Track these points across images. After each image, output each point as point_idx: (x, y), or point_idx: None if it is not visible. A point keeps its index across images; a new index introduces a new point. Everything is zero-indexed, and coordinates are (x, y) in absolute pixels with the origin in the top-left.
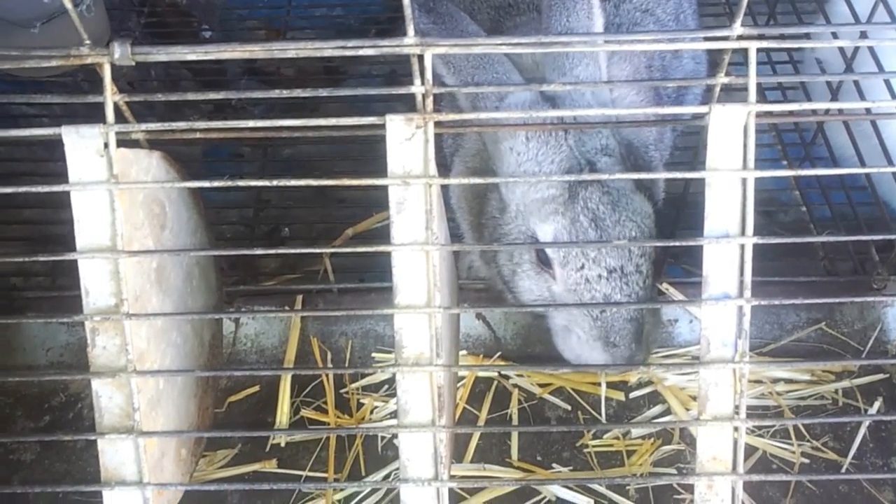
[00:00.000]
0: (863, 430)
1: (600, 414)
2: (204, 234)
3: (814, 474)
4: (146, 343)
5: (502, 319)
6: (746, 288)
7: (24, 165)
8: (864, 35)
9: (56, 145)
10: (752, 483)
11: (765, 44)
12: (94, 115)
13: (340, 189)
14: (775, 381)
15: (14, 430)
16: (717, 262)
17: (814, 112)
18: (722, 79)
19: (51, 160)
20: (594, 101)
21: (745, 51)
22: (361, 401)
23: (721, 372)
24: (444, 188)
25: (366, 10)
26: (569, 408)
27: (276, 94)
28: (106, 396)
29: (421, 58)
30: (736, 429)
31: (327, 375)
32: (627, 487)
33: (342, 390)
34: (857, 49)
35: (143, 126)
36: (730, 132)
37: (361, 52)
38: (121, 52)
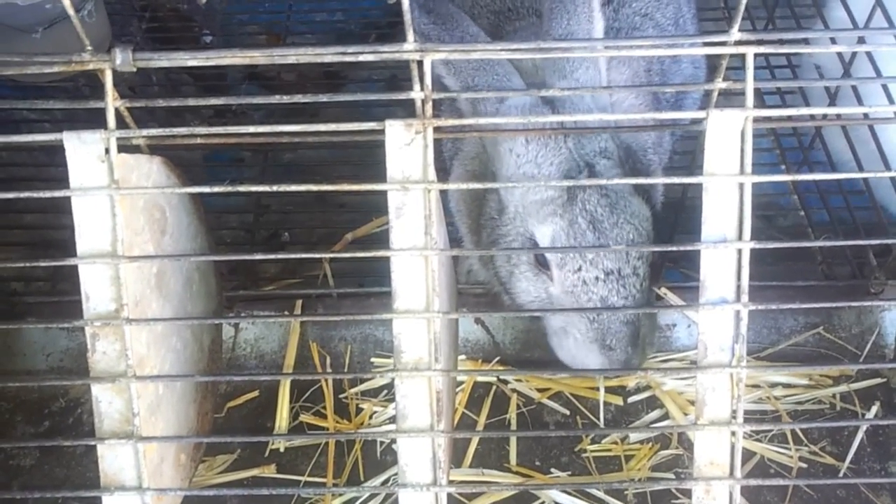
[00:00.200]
0: (860, 435)
1: (599, 419)
2: (204, 240)
3: (811, 479)
4: (146, 348)
5: (501, 324)
6: (744, 292)
7: (26, 170)
8: (861, 40)
9: (57, 150)
10: (750, 487)
11: (762, 49)
12: (95, 120)
13: (340, 194)
14: (773, 385)
15: (14, 435)
16: (715, 267)
17: (811, 117)
18: (720, 84)
19: (52, 165)
20: (594, 104)
21: (743, 56)
22: (360, 406)
23: (718, 376)
24: (443, 192)
25: (366, 14)
26: (567, 412)
27: (276, 99)
28: (106, 401)
29: (420, 63)
30: (733, 433)
31: (326, 380)
32: (626, 492)
33: (341, 395)
34: (854, 54)
35: (145, 132)
36: (727, 137)
37: (362, 58)
38: (122, 58)
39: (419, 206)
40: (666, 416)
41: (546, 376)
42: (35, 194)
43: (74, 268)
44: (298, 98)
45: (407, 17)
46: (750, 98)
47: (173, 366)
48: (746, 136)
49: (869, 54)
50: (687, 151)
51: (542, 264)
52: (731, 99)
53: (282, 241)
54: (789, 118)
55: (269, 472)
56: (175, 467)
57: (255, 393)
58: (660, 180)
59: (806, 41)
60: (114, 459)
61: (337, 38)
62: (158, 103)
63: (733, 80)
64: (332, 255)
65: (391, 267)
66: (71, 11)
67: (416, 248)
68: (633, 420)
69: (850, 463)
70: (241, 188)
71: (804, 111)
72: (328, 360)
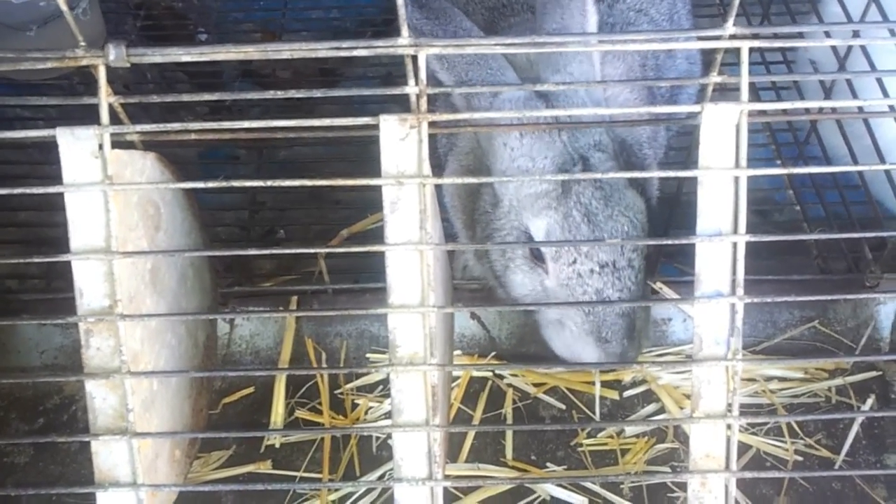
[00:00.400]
0: (855, 428)
1: (594, 413)
2: (198, 236)
3: (807, 471)
4: (140, 344)
5: (497, 319)
6: (739, 286)
7: (20, 168)
8: (856, 34)
9: (51, 148)
10: (746, 480)
11: (757, 43)
12: (89, 117)
13: (336, 191)
14: (768, 378)
15: (8, 432)
16: (710, 260)
17: (806, 111)
18: (714, 78)
19: (46, 163)
20: (588, 98)
21: (738, 50)
22: (356, 401)
23: (714, 370)
24: (438, 187)
25: (361, 12)
26: (563, 407)
27: (270, 94)
28: (100, 398)
29: (415, 58)
30: (729, 426)
31: (322, 376)
32: (621, 486)
33: (337, 391)
34: (849, 48)
35: (138, 127)
36: (722, 131)
37: (356, 53)
38: (115, 54)
39: (414, 200)
40: (662, 411)
41: (542, 371)
42: (28, 191)
43: (69, 265)
44: (292, 93)
45: (401, 11)
46: (745, 92)
47: (168, 362)
48: (741, 129)
49: (864, 48)
50: (683, 147)
51: (537, 257)
52: (726, 94)
53: (277, 238)
54: (784, 112)
55: (265, 467)
56: (170, 463)
57: (251, 389)
58: (654, 174)
59: (801, 35)
60: (108, 456)
61: (332, 36)
62: (152, 99)
63: (728, 75)
64: (327, 251)
65: (386, 262)
66: (65, 9)
67: (411, 243)
68: (628, 414)
69: (845, 456)
70: (236, 183)
71: (798, 105)
72: (324, 356)
